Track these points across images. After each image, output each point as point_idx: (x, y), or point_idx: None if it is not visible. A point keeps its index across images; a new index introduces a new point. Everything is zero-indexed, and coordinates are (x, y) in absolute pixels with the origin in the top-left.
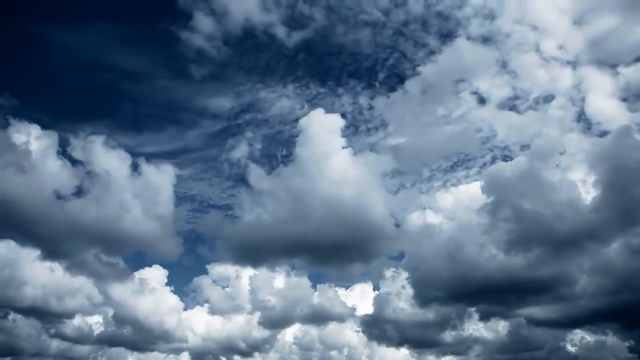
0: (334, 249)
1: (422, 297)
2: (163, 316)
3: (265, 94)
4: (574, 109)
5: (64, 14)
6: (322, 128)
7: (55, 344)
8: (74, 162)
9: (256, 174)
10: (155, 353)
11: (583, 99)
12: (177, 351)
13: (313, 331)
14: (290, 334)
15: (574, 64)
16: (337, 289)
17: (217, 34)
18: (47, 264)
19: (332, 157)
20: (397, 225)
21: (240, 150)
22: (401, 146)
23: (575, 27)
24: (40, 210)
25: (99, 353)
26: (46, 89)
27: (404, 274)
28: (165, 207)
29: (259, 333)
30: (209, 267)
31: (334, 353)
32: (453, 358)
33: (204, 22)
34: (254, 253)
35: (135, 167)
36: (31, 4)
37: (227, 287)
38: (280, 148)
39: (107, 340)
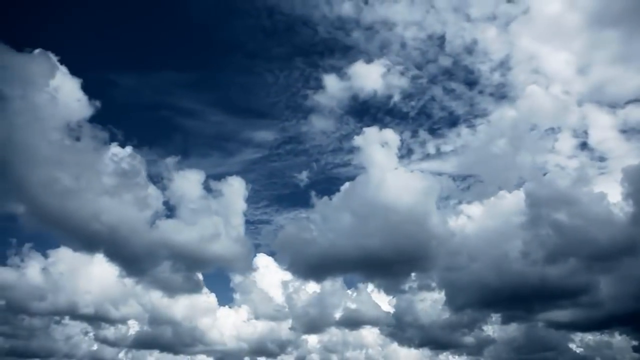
0: (381, 263)
1: (453, 303)
2: (197, 319)
3: (307, 128)
4: (578, 139)
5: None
6: (378, 145)
7: (84, 346)
8: (157, 183)
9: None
10: (180, 356)
11: (586, 132)
12: (209, 353)
13: (339, 334)
14: (316, 337)
15: (577, 104)
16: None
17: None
18: (127, 279)
19: (386, 174)
20: (439, 237)
21: (284, 174)
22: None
23: (578, 75)
24: (130, 229)
25: (128, 355)
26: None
27: (435, 279)
28: (240, 222)
29: (288, 336)
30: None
31: (353, 353)
32: (467, 358)
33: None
34: (294, 262)
35: (208, 185)
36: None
37: (262, 292)
38: (320, 173)
39: (139, 344)
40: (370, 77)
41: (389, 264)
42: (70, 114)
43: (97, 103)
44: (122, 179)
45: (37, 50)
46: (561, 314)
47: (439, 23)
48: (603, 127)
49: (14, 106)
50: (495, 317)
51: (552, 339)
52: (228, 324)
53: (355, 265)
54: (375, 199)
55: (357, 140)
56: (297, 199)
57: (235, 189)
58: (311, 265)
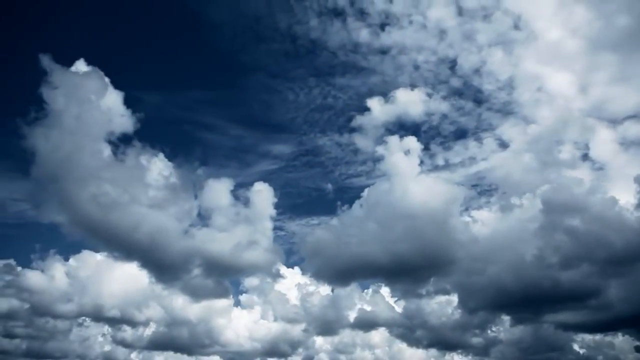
0: (402, 268)
1: (466, 306)
2: (213, 321)
3: (323, 141)
4: (580, 151)
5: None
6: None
7: (97, 347)
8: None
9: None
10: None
11: (587, 145)
12: (222, 354)
13: (350, 335)
14: (328, 339)
15: (579, 119)
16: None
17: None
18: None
19: (408, 182)
20: (461, 242)
21: (299, 184)
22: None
23: (579, 94)
24: (165, 238)
25: (139, 356)
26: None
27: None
28: (269, 228)
29: (300, 338)
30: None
31: (363, 354)
32: (472, 359)
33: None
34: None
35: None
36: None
37: (278, 295)
38: (334, 183)
39: (154, 345)
40: (412, 100)
41: (410, 269)
42: (115, 127)
43: (141, 116)
44: (165, 192)
45: (83, 65)
46: (569, 316)
47: (450, 48)
48: (603, 141)
49: (66, 121)
50: (504, 318)
51: (558, 340)
52: (241, 325)
53: (374, 271)
54: (394, 206)
55: (379, 149)
56: (309, 207)
57: (264, 195)
58: (331, 270)
